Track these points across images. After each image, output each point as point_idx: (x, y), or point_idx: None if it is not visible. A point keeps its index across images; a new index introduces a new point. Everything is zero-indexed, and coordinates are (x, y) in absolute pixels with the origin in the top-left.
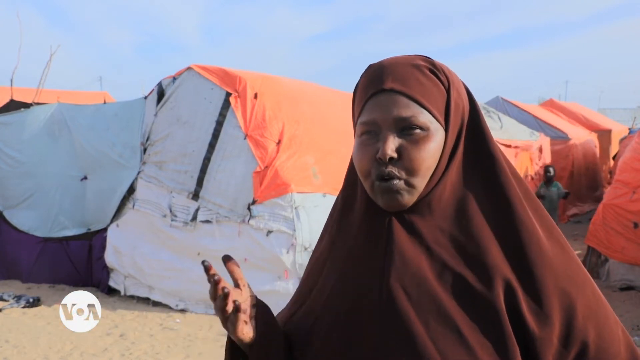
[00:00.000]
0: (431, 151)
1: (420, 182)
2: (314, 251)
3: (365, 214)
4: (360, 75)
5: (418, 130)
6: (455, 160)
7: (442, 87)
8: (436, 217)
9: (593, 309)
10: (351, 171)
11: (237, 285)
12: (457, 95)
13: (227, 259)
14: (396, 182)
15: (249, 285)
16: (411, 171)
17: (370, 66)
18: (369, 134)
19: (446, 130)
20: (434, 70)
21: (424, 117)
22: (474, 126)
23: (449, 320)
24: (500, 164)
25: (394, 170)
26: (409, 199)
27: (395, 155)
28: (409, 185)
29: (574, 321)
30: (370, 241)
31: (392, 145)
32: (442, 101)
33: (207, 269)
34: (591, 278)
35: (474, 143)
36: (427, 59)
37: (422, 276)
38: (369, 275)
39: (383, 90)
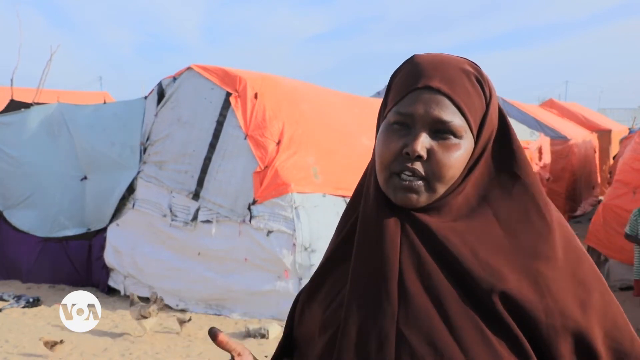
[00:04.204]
0: (459, 160)
1: (441, 188)
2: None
3: (376, 209)
4: (403, 62)
5: (452, 137)
6: (474, 174)
7: (484, 100)
8: (447, 220)
9: (607, 301)
10: (369, 167)
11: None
12: (493, 110)
13: (213, 336)
14: (418, 182)
15: (246, 349)
16: (436, 175)
17: (417, 57)
18: (401, 125)
19: (475, 142)
20: (480, 80)
21: (461, 125)
22: (502, 141)
23: (471, 318)
24: (529, 183)
25: (418, 169)
26: (425, 200)
27: (424, 154)
28: (430, 188)
29: (587, 314)
30: (383, 239)
31: (423, 144)
32: (480, 113)
33: (214, 336)
34: (603, 278)
35: (500, 158)
36: (475, 66)
37: (440, 274)
38: (386, 274)
39: (428, 87)
